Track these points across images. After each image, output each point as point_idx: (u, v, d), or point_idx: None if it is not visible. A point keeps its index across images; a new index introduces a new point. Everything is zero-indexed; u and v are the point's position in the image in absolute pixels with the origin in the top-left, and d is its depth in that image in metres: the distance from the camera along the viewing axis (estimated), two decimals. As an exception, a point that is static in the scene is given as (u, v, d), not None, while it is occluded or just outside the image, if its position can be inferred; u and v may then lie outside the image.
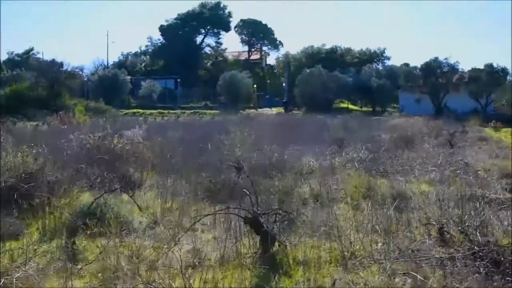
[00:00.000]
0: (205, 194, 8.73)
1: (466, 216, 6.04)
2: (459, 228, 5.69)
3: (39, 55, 62.90)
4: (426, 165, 12.66)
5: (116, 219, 6.30)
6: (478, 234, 5.35)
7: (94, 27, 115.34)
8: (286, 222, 6.34)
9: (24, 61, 65.81)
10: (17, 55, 71.51)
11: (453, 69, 48.57)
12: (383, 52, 63.96)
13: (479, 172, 12.14)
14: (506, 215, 7.32)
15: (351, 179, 10.06)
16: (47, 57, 61.49)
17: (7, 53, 66.06)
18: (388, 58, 64.79)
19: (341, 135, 22.24)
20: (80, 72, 63.40)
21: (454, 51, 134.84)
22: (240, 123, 30.80)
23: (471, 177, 11.21)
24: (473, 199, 8.29)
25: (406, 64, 59.97)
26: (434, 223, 6.17)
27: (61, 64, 58.95)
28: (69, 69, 58.51)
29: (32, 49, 70.97)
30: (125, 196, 8.08)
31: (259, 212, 5.75)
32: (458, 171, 11.80)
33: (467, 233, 5.46)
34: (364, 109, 55.13)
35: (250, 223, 5.72)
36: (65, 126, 22.04)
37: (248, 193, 6.03)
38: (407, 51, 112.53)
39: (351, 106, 56.74)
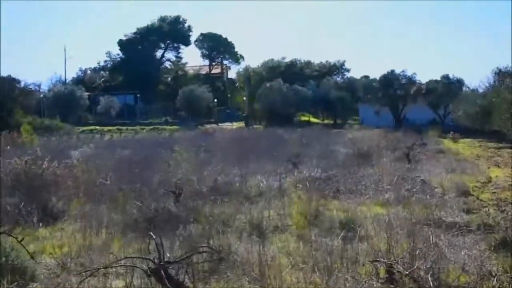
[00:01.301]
0: (136, 225, 7.81)
1: (417, 251, 5.33)
2: (407, 273, 4.97)
3: (-5, 72, 60.21)
4: (382, 184, 12.04)
5: (9, 265, 5.33)
6: (429, 278, 4.65)
7: (51, 42, 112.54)
8: (216, 261, 5.51)
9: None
10: (-35, 70, 68.54)
11: (410, 80, 48.98)
12: (343, 64, 64.15)
13: (436, 189, 11.62)
14: (463, 243, 6.69)
15: (300, 203, 9.32)
16: (3, 73, 58.82)
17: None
18: (348, 71, 65.01)
19: (298, 150, 21.66)
20: (38, 89, 61.82)
21: (412, 63, 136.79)
22: (196, 139, 30.09)
23: (427, 196, 10.66)
24: (428, 224, 7.67)
25: (366, 77, 60.23)
26: (382, 259, 5.45)
27: (17, 81, 57.28)
28: (23, 86, 56.96)
29: (-17, 65, 68.40)
30: (41, 231, 7.11)
31: (167, 260, 4.89)
32: (414, 189, 11.24)
33: (415, 279, 4.75)
34: (326, 121, 54.94)
35: (154, 275, 4.85)
36: (8, 147, 20.64)
37: (154, 237, 5.15)
38: (367, 64, 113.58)
39: (312, 119, 56.49)
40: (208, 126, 46.95)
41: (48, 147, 21.91)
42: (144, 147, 21.64)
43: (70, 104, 54.53)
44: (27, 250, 5.37)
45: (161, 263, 4.81)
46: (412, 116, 45.37)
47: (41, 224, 7.79)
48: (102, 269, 5.23)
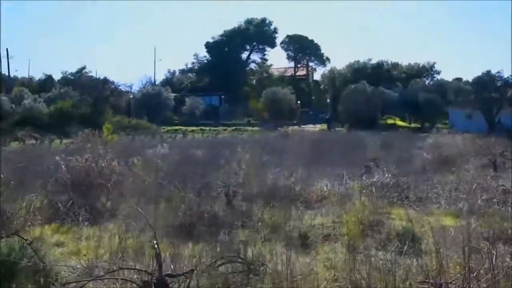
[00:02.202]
0: (180, 229, 7.48)
1: (474, 273, 4.55)
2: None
3: (92, 74, 63.54)
4: (457, 192, 10.99)
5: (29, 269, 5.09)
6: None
7: (142, 45, 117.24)
8: (245, 273, 5.03)
9: (76, 79, 66.74)
10: (71, 73, 72.55)
11: (507, 83, 45.72)
12: (433, 66, 61.17)
13: (520, 201, 10.40)
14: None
15: (360, 210, 8.61)
16: (100, 75, 62.02)
17: (61, 72, 67.15)
18: (438, 73, 61.90)
19: (376, 154, 20.75)
20: (129, 90, 64.52)
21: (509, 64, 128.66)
22: (272, 140, 29.78)
23: (509, 208, 9.54)
24: (501, 239, 6.75)
25: (458, 79, 57.24)
26: (431, 280, 4.71)
27: (112, 82, 60.05)
28: (114, 87, 59.59)
29: (84, 68, 71.86)
30: (85, 231, 6.96)
31: (168, 273, 4.44)
32: (495, 200, 10.13)
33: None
34: (413, 125, 52.75)
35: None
36: (89, 145, 21.35)
37: (156, 245, 4.69)
38: (459, 66, 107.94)
39: (399, 123, 54.51)
40: (289, 128, 46.55)
41: (125, 145, 22.45)
42: (217, 148, 21.57)
43: (157, 104, 56.23)
44: (35, 252, 5.15)
45: (155, 276, 4.38)
46: (508, 121, 42.37)
47: (86, 224, 7.67)
48: (92, 280, 4.88)
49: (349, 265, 5.65)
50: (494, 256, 4.82)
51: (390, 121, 54.71)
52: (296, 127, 49.97)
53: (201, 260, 5.30)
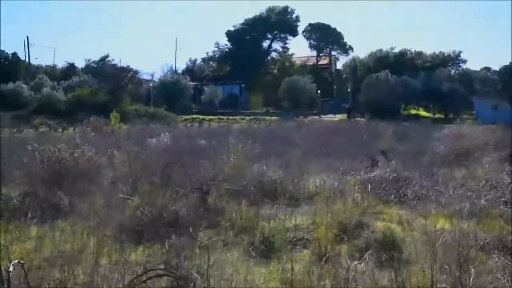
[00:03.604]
0: (134, 229, 6.70)
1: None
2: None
3: (115, 62, 63.13)
4: (465, 189, 9.98)
5: None
6: None
7: (164, 34, 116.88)
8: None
9: (99, 68, 66.62)
10: (94, 62, 72.47)
11: (535, 72, 43.92)
12: (458, 55, 58.95)
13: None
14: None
15: (348, 208, 7.75)
16: (124, 64, 61.57)
17: (85, 60, 67.00)
18: (464, 62, 59.60)
19: (390, 145, 19.79)
20: (151, 78, 64.12)
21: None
22: (285, 130, 28.93)
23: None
24: (498, 248, 5.84)
25: (487, 68, 55.20)
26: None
27: (132, 70, 59.65)
28: (133, 75, 59.18)
29: (107, 56, 71.55)
30: (33, 230, 6.25)
31: None
32: (503, 199, 9.13)
33: None
34: (437, 116, 51.14)
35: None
36: (92, 133, 20.88)
37: None
38: (487, 55, 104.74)
39: (422, 113, 52.98)
40: (308, 118, 45.47)
41: (130, 134, 21.89)
42: (224, 138, 20.78)
43: (175, 93, 55.75)
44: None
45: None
46: (537, 112, 40.64)
47: (35, 222, 6.96)
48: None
49: (310, 279, 4.81)
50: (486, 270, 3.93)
51: (413, 112, 53.21)
52: (316, 117, 48.89)
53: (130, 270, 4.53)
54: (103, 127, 22.72)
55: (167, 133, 18.88)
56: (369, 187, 9.49)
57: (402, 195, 9.38)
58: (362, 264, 5.36)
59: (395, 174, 10.45)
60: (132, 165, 10.21)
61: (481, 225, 7.28)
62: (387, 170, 10.95)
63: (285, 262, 5.30)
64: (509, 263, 5.31)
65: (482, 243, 6.08)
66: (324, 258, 5.31)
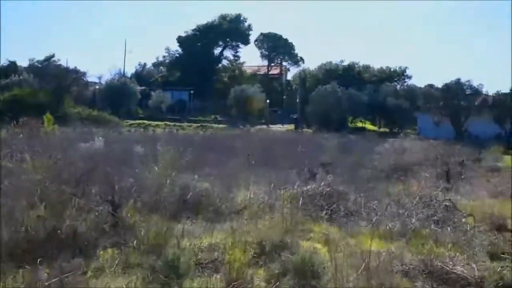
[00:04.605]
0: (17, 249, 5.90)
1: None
2: None
3: (61, 63, 60.70)
4: (398, 206, 9.67)
5: None
6: None
7: (114, 37, 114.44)
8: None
9: (43, 68, 64.13)
10: (38, 61, 69.82)
11: (476, 92, 45.17)
12: (404, 71, 60.46)
13: (464, 219, 9.14)
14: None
15: (273, 225, 7.24)
16: (71, 65, 59.24)
17: (29, 59, 64.33)
18: (409, 78, 61.20)
19: (332, 158, 19.53)
20: (98, 81, 62.19)
21: (479, 73, 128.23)
22: (228, 140, 28.35)
23: (448, 228, 8.27)
24: (424, 274, 5.45)
25: (430, 85, 56.53)
26: None
27: (78, 72, 57.62)
28: (78, 77, 57.27)
29: (52, 56, 68.96)
30: None
31: None
32: (435, 217, 8.85)
33: None
34: (382, 129, 51.90)
35: None
36: (21, 136, 19.61)
37: None
38: (430, 72, 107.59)
39: (368, 126, 53.68)
40: (255, 127, 45.17)
41: (64, 138, 20.83)
42: (161, 145, 20.02)
43: (121, 97, 54.43)
44: None
45: None
46: (475, 130, 41.77)
47: None
48: None
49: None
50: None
51: (359, 124, 53.82)
52: (263, 126, 48.71)
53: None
54: (34, 129, 21.41)
55: (100, 138, 17.97)
56: (301, 202, 9.01)
57: (333, 211, 8.98)
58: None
59: (328, 189, 10.04)
60: (46, 171, 9.36)
61: (409, 246, 6.91)
62: (322, 184, 10.52)
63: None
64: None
65: (407, 268, 5.68)
66: (233, 286, 4.76)
